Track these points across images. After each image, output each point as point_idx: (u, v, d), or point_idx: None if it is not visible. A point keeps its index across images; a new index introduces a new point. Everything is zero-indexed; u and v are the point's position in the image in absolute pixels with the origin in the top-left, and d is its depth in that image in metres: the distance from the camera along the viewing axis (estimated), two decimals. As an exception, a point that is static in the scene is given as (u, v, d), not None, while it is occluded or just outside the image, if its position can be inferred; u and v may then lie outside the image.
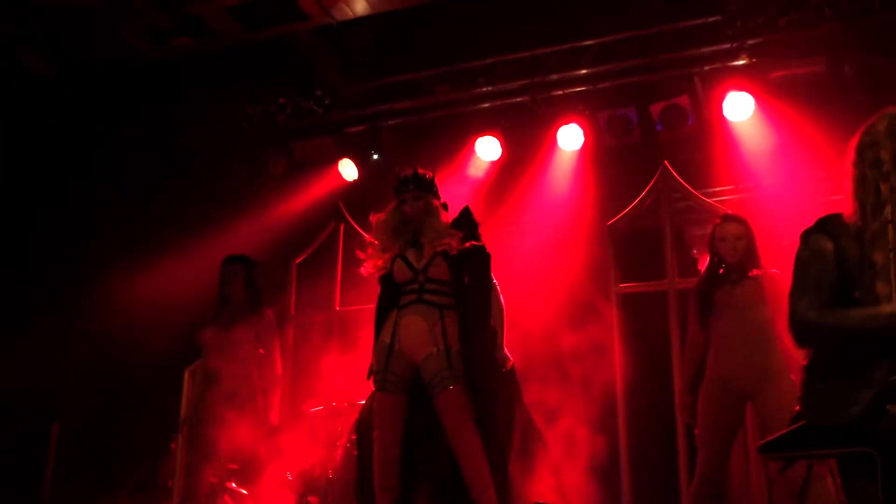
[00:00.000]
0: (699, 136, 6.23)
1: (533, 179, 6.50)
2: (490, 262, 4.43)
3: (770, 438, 2.57)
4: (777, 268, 4.57)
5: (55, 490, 6.65)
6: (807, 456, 2.53)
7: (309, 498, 5.65)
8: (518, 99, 6.58)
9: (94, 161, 7.20)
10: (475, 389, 4.22)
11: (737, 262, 4.51)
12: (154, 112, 7.17)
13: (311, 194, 6.91)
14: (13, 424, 6.71)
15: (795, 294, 2.57)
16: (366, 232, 5.54)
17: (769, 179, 6.31)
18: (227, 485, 5.65)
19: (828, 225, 2.63)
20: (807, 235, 2.65)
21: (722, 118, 6.14)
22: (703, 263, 6.87)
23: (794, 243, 5.46)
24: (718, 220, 4.68)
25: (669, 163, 5.61)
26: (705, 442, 4.34)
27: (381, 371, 4.32)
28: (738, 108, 6.05)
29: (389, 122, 7.00)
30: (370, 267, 4.51)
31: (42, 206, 7.25)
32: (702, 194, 5.70)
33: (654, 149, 6.16)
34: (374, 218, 4.57)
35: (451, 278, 4.37)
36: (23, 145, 7.01)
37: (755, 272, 4.49)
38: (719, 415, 4.34)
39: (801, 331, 2.54)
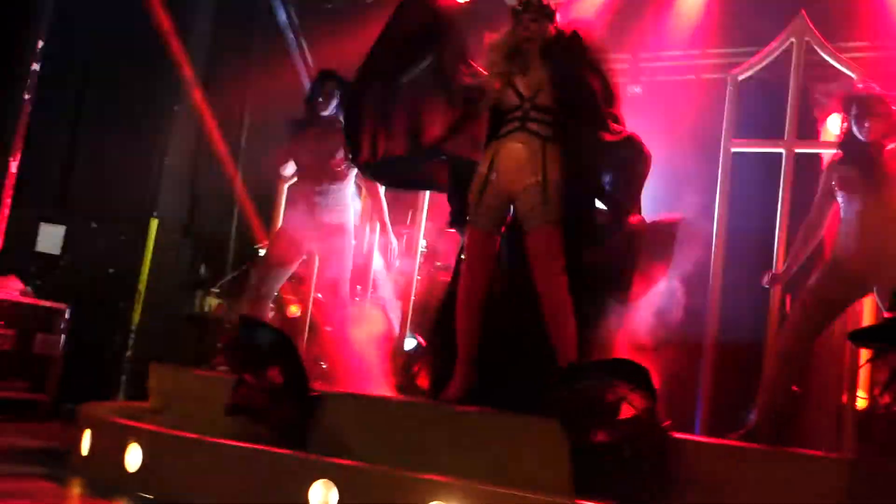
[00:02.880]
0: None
1: (653, 17, 6.12)
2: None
3: (862, 327, 2.44)
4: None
5: (150, 285, 6.93)
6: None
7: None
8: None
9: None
10: (571, 232, 4.12)
11: (874, 141, 4.18)
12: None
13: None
14: (112, 220, 6.95)
15: None
16: (471, 59, 5.33)
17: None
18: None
19: None
20: None
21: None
22: (823, 124, 6.50)
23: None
24: (858, 94, 4.31)
25: (806, 10, 5.15)
26: (798, 319, 4.15)
27: (475, 204, 4.25)
28: (894, -43, 5.49)
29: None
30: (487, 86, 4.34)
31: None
32: (837, 47, 5.26)
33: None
34: (489, 38, 4.40)
35: (558, 107, 4.19)
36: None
37: (884, 151, 4.16)
38: (828, 299, 4.08)
39: None
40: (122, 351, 6.86)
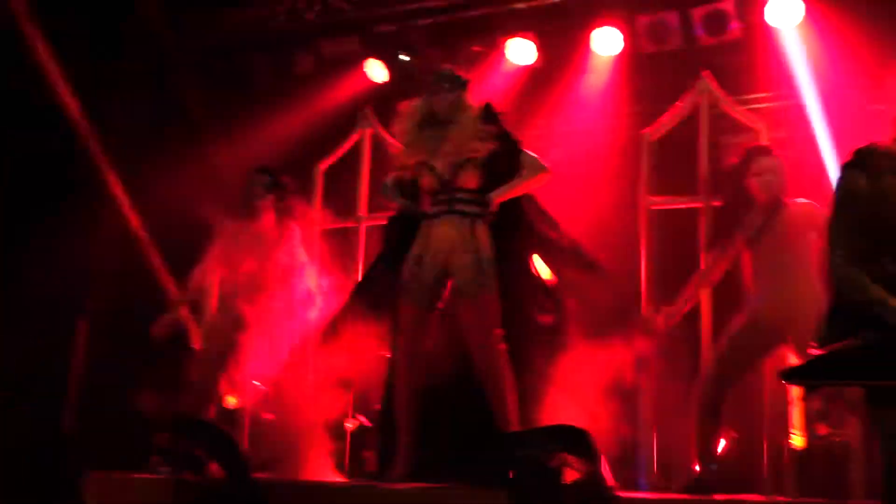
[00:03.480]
0: (742, 43, 5.98)
1: (565, 86, 6.30)
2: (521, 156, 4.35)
3: (793, 366, 2.52)
4: (814, 179, 4.40)
5: (83, 385, 6.76)
6: (831, 384, 2.45)
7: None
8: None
9: (110, 63, 7.03)
10: (506, 301, 4.19)
11: (768, 200, 4.33)
12: (175, 8, 6.98)
13: (338, 96, 6.76)
14: (42, 321, 6.79)
15: (832, 239, 2.51)
16: (394, 138, 5.43)
17: (812, 87, 6.10)
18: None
19: (866, 158, 2.50)
20: (844, 171, 2.54)
21: (766, 23, 5.88)
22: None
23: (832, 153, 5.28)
24: (753, 152, 4.48)
25: (708, 69, 5.39)
26: (715, 369, 4.23)
27: (409, 281, 4.28)
28: (786, 13, 5.78)
29: (419, 22, 6.78)
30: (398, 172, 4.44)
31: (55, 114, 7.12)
32: (739, 101, 5.50)
33: (694, 55, 5.92)
34: (402, 106, 4.47)
35: (480, 186, 4.29)
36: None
37: (785, 205, 4.33)
38: (746, 349, 4.23)
39: (832, 281, 2.47)
40: (57, 460, 6.64)
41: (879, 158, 2.47)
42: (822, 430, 4.78)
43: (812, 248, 4.19)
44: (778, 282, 4.18)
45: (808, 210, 4.26)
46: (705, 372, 4.31)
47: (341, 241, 5.92)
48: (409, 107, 4.41)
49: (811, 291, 4.05)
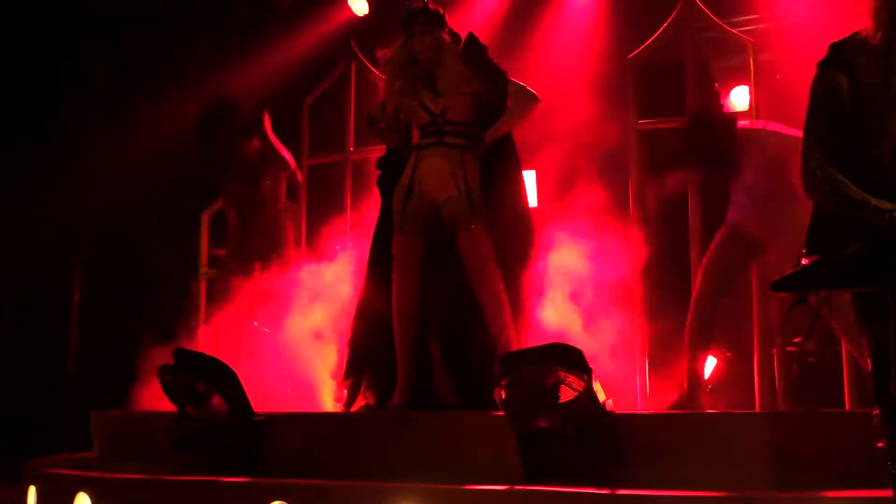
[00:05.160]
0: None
1: (550, 10, 6.24)
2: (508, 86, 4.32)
3: (783, 276, 2.52)
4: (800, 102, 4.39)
5: (82, 334, 6.80)
6: (820, 290, 2.46)
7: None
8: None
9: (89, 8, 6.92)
10: (497, 230, 4.23)
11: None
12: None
13: (320, 30, 6.66)
14: (38, 272, 6.79)
15: (808, 141, 2.40)
16: (379, 70, 5.38)
17: (796, 9, 6.04)
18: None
19: (843, 52, 2.38)
20: (822, 70, 2.40)
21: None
22: (726, 97, 6.69)
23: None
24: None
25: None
26: (711, 274, 4.28)
27: (400, 211, 4.31)
28: (771, -69, 5.71)
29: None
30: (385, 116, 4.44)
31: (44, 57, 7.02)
32: (726, 24, 5.45)
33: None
34: (382, 54, 4.44)
35: (472, 119, 4.30)
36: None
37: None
38: (729, 260, 4.28)
39: (807, 185, 2.40)
40: (58, 403, 6.71)
41: (857, 53, 2.35)
42: (810, 344, 4.87)
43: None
44: (758, 196, 4.19)
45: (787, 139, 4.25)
46: (695, 292, 4.36)
47: (328, 176, 5.92)
48: (389, 55, 4.37)
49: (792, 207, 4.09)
